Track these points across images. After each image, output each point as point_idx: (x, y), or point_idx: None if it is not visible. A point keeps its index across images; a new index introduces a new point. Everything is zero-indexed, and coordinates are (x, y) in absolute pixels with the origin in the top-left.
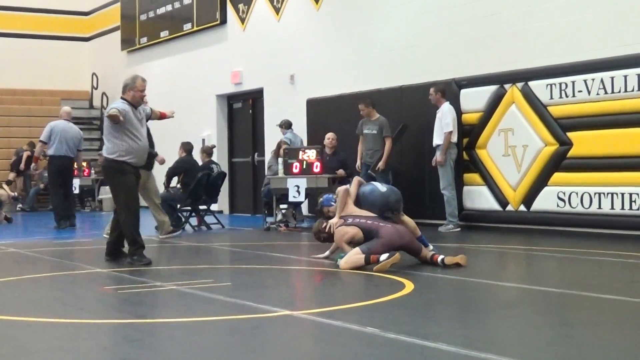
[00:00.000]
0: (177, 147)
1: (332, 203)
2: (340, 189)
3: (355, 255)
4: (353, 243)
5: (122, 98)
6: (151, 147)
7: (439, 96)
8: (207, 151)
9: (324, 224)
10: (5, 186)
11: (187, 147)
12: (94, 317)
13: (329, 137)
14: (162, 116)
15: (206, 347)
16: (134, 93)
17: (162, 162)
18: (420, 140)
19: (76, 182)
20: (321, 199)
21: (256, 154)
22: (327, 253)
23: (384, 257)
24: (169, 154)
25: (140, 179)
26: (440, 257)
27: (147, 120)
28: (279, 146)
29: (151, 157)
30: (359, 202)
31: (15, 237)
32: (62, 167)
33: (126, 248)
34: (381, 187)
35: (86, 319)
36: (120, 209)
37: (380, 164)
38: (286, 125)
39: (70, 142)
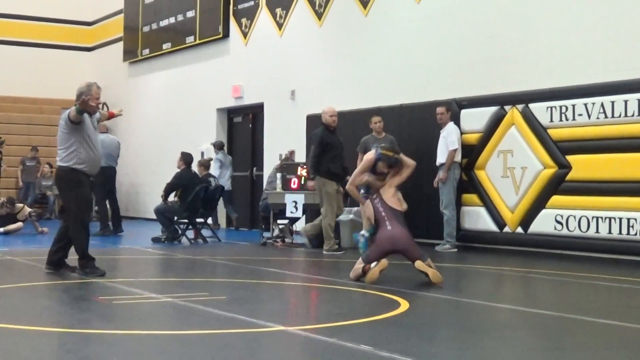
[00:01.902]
0: (175, 158)
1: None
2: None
3: (357, 265)
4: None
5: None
6: (342, 161)
7: (449, 115)
8: (205, 164)
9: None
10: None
11: (187, 159)
12: (87, 327)
13: None
14: (110, 115)
15: None
16: (90, 100)
17: None
18: (418, 159)
19: None
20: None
21: (255, 169)
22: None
23: (372, 265)
24: (168, 166)
25: (92, 187)
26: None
27: (97, 123)
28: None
29: (345, 171)
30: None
31: (11, 245)
32: (107, 178)
33: (70, 260)
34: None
35: (79, 329)
36: (72, 221)
37: None
38: (218, 146)
39: (112, 152)
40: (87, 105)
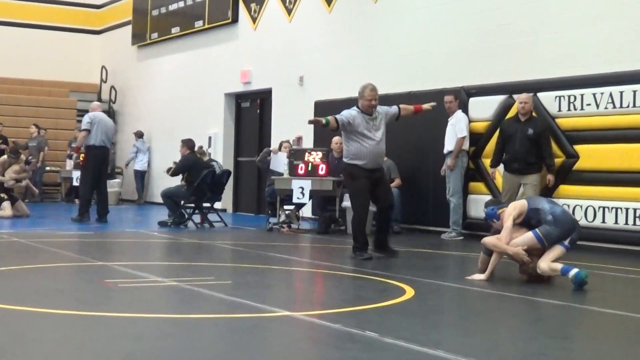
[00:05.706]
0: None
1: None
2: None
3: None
4: None
5: (356, 106)
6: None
7: (457, 104)
8: (199, 151)
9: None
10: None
11: (189, 144)
12: (92, 310)
13: (336, 141)
14: (416, 110)
15: (204, 345)
16: (362, 102)
17: None
18: (426, 147)
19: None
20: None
21: None
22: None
23: None
24: (175, 150)
25: (383, 179)
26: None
27: (396, 119)
28: (281, 145)
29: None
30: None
31: (19, 227)
32: (100, 158)
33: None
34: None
35: (85, 311)
36: (353, 209)
37: None
38: (138, 135)
39: (108, 133)
40: (319, 122)
